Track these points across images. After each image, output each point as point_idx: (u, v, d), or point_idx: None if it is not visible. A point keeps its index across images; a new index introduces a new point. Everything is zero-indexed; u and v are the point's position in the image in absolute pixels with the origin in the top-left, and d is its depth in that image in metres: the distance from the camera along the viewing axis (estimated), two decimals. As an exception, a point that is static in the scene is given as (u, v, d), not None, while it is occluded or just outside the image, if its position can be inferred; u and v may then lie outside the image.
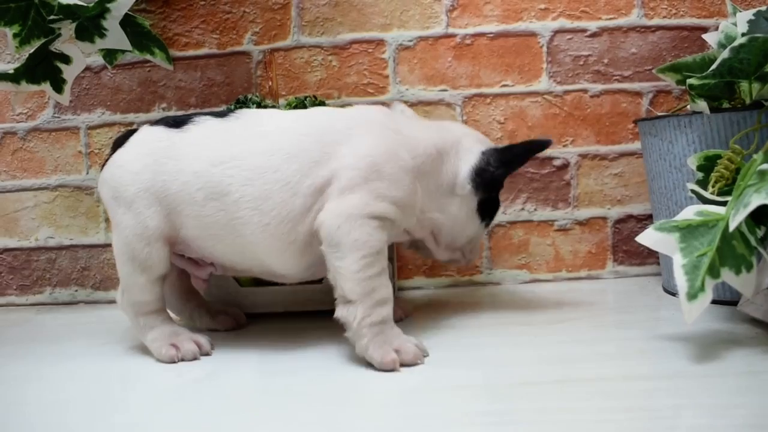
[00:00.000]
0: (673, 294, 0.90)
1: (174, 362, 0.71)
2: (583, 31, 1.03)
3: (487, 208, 0.80)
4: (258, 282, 0.87)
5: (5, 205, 1.07)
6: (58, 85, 0.91)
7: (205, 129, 0.73)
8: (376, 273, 0.66)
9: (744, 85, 0.81)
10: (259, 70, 1.05)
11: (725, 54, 0.75)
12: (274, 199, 0.69)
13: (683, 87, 0.86)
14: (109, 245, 1.05)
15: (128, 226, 0.72)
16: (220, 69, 1.05)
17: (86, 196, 1.07)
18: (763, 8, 0.82)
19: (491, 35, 1.03)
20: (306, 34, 1.04)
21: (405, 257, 1.04)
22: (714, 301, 0.65)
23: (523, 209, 1.04)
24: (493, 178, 0.77)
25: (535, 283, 1.04)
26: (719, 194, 0.70)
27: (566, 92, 1.03)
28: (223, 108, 1.02)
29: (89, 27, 0.86)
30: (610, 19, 1.03)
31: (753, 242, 0.63)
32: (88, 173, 1.06)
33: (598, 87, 1.03)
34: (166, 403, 0.60)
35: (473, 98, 1.03)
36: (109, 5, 0.84)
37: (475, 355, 0.68)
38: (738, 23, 0.82)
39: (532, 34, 1.03)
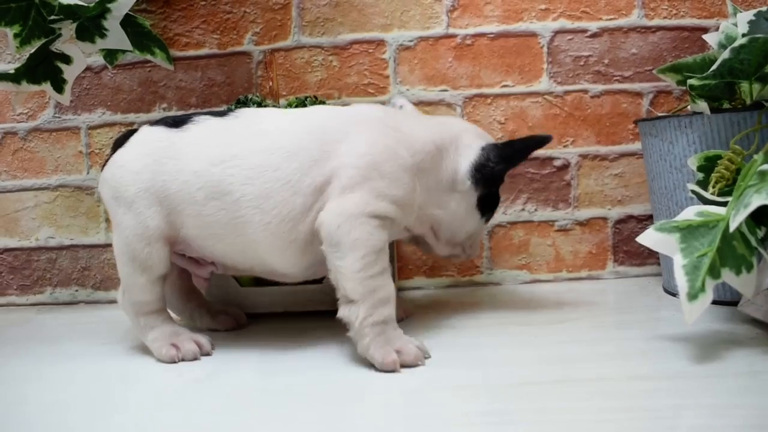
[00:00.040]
0: (674, 294, 0.90)
1: (174, 362, 0.71)
2: (584, 31, 1.03)
3: (487, 204, 0.79)
4: (258, 282, 0.87)
5: (6, 205, 1.07)
6: (58, 85, 0.91)
7: (204, 128, 0.73)
8: (378, 272, 0.66)
9: (744, 85, 0.81)
10: (259, 71, 1.05)
11: (726, 54, 0.75)
12: (274, 198, 0.69)
13: (684, 87, 0.86)
14: (109, 245, 1.05)
15: (128, 226, 0.72)
16: (220, 69, 1.05)
17: (87, 196, 1.07)
18: (764, 9, 0.82)
19: (492, 35, 1.03)
20: (306, 34, 1.04)
21: (405, 257, 1.05)
22: (714, 302, 0.65)
23: (523, 210, 1.04)
24: (493, 174, 0.77)
25: (535, 283, 1.04)
26: (720, 195, 0.70)
27: (567, 92, 1.03)
28: (223, 108, 1.02)
29: (90, 27, 0.86)
30: (611, 19, 1.03)
31: (753, 243, 0.63)
32: (88, 173, 1.06)
33: (599, 87, 1.03)
34: (167, 403, 0.60)
35: (474, 98, 1.03)
36: (109, 5, 0.84)
37: (475, 355, 0.68)
38: (738, 24, 0.82)
39: (533, 35, 1.03)
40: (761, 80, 0.79)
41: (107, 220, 1.06)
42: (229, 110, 0.76)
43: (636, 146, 1.03)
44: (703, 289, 0.62)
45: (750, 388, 0.56)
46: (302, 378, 0.64)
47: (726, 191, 0.70)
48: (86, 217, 1.07)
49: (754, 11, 0.82)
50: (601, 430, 0.49)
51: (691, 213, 0.66)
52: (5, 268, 1.08)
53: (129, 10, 0.87)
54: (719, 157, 0.72)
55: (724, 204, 0.67)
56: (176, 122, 0.74)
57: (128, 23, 0.89)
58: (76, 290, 1.07)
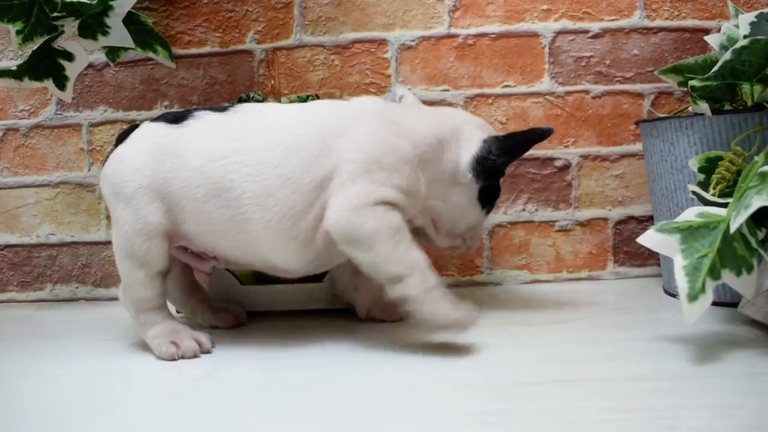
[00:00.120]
0: (674, 295, 0.90)
1: (174, 359, 0.71)
2: (585, 32, 1.03)
3: (487, 196, 0.79)
4: (259, 280, 0.88)
5: (7, 202, 1.08)
6: (60, 82, 0.91)
7: (204, 124, 0.73)
8: (407, 246, 0.68)
9: (746, 87, 0.81)
10: (261, 69, 1.05)
11: (727, 56, 0.75)
12: (275, 195, 0.69)
13: (685, 89, 0.86)
14: (110, 243, 1.04)
15: (128, 221, 0.72)
16: (222, 67, 1.05)
17: (88, 193, 1.07)
18: (765, 10, 0.82)
19: (493, 36, 1.03)
20: (308, 33, 1.04)
21: (406, 257, 1.04)
22: (714, 303, 0.65)
23: (524, 210, 1.04)
24: (494, 167, 0.77)
25: (535, 283, 1.04)
26: (720, 196, 0.70)
27: (568, 93, 1.03)
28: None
29: (92, 24, 0.86)
30: (612, 20, 1.03)
31: (754, 244, 0.63)
32: (89, 170, 1.06)
33: (600, 88, 1.03)
34: (166, 401, 0.60)
35: (475, 98, 1.03)
36: (112, 3, 0.84)
37: (475, 355, 0.68)
38: (740, 25, 0.82)
39: (535, 35, 1.03)
40: (762, 82, 0.79)
41: (108, 218, 1.06)
42: (230, 106, 0.76)
43: (637, 147, 1.04)
44: (703, 290, 0.62)
45: (750, 389, 0.56)
46: (302, 376, 0.64)
47: (727, 192, 0.70)
48: (87, 214, 1.07)
49: (756, 13, 0.82)
50: (601, 431, 0.49)
51: (691, 214, 0.66)
52: (6, 264, 1.08)
53: (131, 8, 0.87)
54: (720, 158, 0.72)
55: (724, 205, 0.67)
56: (177, 118, 0.74)
57: (131, 21, 0.89)
58: (77, 287, 1.07)
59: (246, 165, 0.69)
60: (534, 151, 1.02)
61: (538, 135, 0.77)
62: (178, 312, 0.88)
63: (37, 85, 0.90)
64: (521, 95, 1.03)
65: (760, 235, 0.64)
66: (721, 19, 1.02)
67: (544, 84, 1.03)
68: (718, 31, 0.89)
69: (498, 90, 1.03)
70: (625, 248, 1.04)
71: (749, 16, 0.82)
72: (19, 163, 1.07)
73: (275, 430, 0.52)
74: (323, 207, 0.69)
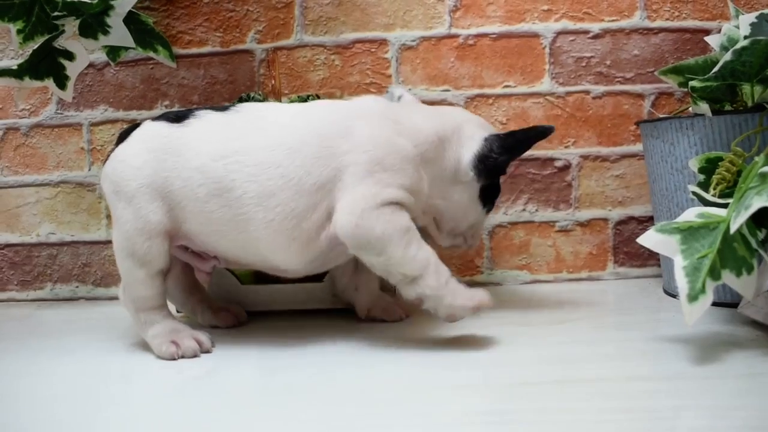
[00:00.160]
0: (674, 296, 0.90)
1: (174, 359, 0.71)
2: (586, 32, 1.03)
3: (488, 194, 0.79)
4: (259, 280, 0.88)
5: (7, 201, 1.08)
6: (61, 82, 0.91)
7: (206, 123, 0.73)
8: (418, 245, 0.68)
9: (746, 87, 0.81)
10: (262, 69, 1.05)
11: (727, 56, 0.75)
12: (278, 195, 0.69)
13: (685, 89, 0.87)
14: (110, 242, 1.04)
15: (128, 220, 0.72)
16: (223, 67, 1.05)
17: (88, 193, 1.07)
18: (766, 11, 0.82)
19: (494, 36, 1.03)
20: (309, 33, 1.04)
21: (406, 257, 1.04)
22: (714, 303, 0.65)
23: (524, 210, 1.04)
24: (496, 165, 0.77)
25: (535, 283, 1.04)
26: (720, 196, 0.70)
27: (568, 93, 1.03)
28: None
29: (93, 24, 0.86)
30: (613, 20, 1.03)
31: (754, 244, 0.63)
32: (90, 170, 1.06)
33: (600, 88, 1.03)
34: (166, 400, 0.60)
35: (475, 99, 1.03)
36: (112, 2, 0.84)
37: (475, 355, 0.68)
38: (740, 26, 0.82)
39: (535, 35, 1.03)
40: (763, 82, 0.79)
41: (108, 217, 1.06)
42: (231, 106, 0.76)
43: (637, 147, 1.04)
44: (703, 290, 0.62)
45: (750, 389, 0.56)
46: (302, 375, 0.64)
47: (727, 193, 0.70)
48: (87, 214, 1.07)
49: (756, 13, 0.82)
50: (600, 431, 0.49)
51: (691, 214, 0.66)
52: (6, 263, 1.08)
53: (132, 8, 0.87)
54: (720, 158, 0.72)
55: (724, 206, 0.67)
56: (178, 117, 0.74)
57: (131, 20, 0.89)
58: (77, 286, 1.07)
59: (247, 165, 0.69)
60: (534, 152, 1.02)
61: (539, 133, 0.77)
62: (178, 311, 0.88)
63: (37, 84, 0.90)
64: (522, 95, 1.03)
65: (760, 235, 0.64)
66: (721, 19, 1.02)
67: (545, 84, 1.03)
68: (719, 31, 0.89)
69: (498, 90, 1.03)
70: (625, 249, 1.04)
71: (750, 17, 0.82)
72: (19, 162, 1.07)
73: (275, 429, 0.52)
74: (329, 209, 0.69)
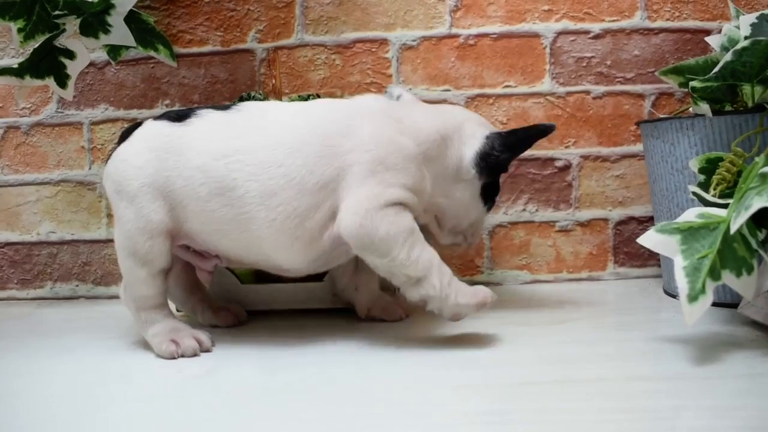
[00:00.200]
0: (674, 296, 0.90)
1: (174, 358, 0.71)
2: (587, 32, 1.03)
3: (489, 192, 0.79)
4: (259, 279, 0.88)
5: (7, 199, 1.08)
6: (61, 81, 0.91)
7: (207, 122, 0.73)
8: (421, 247, 0.68)
9: (746, 88, 0.81)
10: (262, 68, 1.05)
11: (728, 57, 0.75)
12: (280, 195, 0.69)
13: (685, 89, 0.87)
14: (110, 241, 1.05)
15: (130, 219, 0.72)
16: (223, 66, 1.05)
17: (88, 192, 1.07)
18: (766, 11, 0.82)
19: (494, 36, 1.03)
20: (310, 32, 1.04)
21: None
22: (714, 304, 0.65)
23: (524, 210, 1.04)
24: (498, 163, 0.77)
25: (535, 283, 1.04)
26: (721, 197, 0.70)
27: (569, 93, 1.03)
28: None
29: (94, 23, 0.86)
30: (614, 21, 1.03)
31: (754, 245, 0.63)
32: (90, 168, 1.06)
33: (601, 89, 1.03)
34: (166, 399, 0.60)
35: (476, 98, 1.03)
36: (113, 1, 0.84)
37: (475, 355, 0.68)
38: (741, 26, 0.82)
39: (536, 36, 1.03)
40: (763, 83, 0.79)
41: (109, 216, 1.06)
42: (233, 105, 0.76)
43: (637, 148, 1.04)
44: (703, 290, 0.62)
45: (750, 390, 0.56)
46: (302, 375, 0.64)
47: (727, 193, 0.70)
48: (87, 213, 1.07)
49: (757, 14, 0.82)
50: (600, 431, 0.49)
51: (692, 215, 0.66)
52: (6, 262, 1.08)
53: (133, 7, 0.87)
54: (721, 159, 0.73)
55: (725, 206, 0.67)
56: (179, 116, 0.74)
57: (132, 19, 0.89)
58: (77, 285, 1.07)
59: (249, 164, 0.69)
60: (535, 152, 1.02)
61: (541, 131, 0.77)
62: (178, 311, 0.88)
63: (38, 83, 0.90)
64: (522, 95, 1.03)
65: (761, 236, 0.64)
66: (722, 20, 1.02)
67: (545, 84, 1.03)
68: (719, 32, 0.89)
69: (499, 90, 1.03)
70: (625, 249, 1.04)
71: (750, 17, 0.82)
72: (19, 161, 1.07)
73: (275, 429, 0.52)
74: (332, 208, 0.69)
